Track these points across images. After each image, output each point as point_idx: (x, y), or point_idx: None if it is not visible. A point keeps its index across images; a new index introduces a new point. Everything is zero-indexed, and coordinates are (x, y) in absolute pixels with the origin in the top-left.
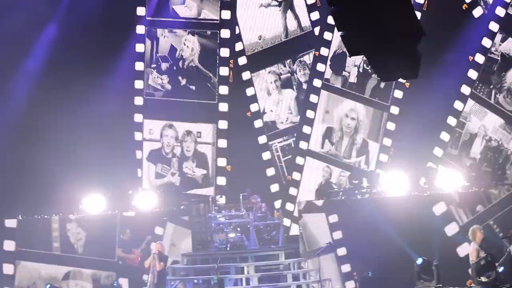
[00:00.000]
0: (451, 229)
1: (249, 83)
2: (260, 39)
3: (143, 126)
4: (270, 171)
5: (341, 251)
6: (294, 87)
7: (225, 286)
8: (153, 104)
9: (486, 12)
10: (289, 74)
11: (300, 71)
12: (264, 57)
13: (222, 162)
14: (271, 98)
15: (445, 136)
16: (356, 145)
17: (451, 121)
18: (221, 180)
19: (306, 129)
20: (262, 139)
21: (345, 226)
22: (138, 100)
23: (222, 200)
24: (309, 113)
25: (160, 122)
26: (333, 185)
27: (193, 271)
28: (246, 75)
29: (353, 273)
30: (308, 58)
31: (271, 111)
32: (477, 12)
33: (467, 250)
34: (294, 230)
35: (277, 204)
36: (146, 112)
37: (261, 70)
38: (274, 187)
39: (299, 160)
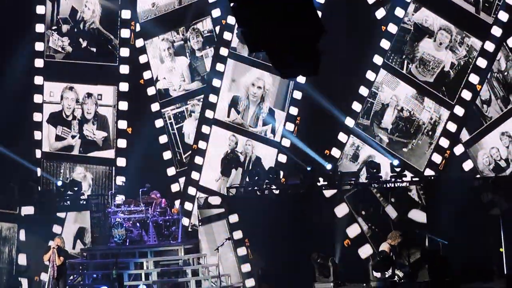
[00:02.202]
0: (329, 193)
1: (143, 50)
2: (153, 7)
3: (43, 89)
4: (163, 139)
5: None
6: (187, 54)
7: (124, 281)
8: (53, 66)
9: None
10: (182, 42)
11: (193, 39)
12: (157, 25)
13: (122, 124)
14: (164, 66)
15: (357, 106)
16: (263, 114)
17: (363, 91)
18: (122, 143)
19: (212, 98)
20: (155, 107)
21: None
22: (39, 63)
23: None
24: (216, 82)
25: (60, 84)
26: (239, 154)
27: (93, 266)
28: (139, 43)
29: (244, 240)
30: (201, 25)
31: (164, 78)
32: None
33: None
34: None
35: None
36: (46, 74)
37: (154, 37)
38: (167, 155)
39: (205, 129)
